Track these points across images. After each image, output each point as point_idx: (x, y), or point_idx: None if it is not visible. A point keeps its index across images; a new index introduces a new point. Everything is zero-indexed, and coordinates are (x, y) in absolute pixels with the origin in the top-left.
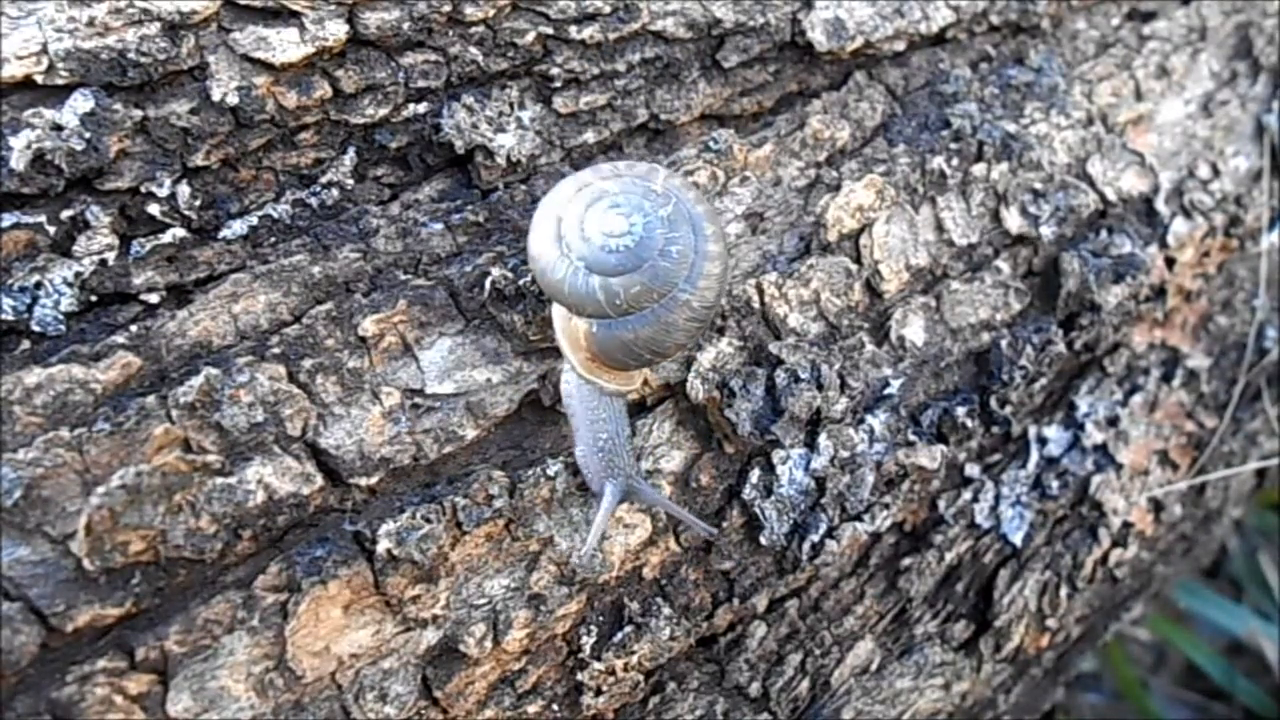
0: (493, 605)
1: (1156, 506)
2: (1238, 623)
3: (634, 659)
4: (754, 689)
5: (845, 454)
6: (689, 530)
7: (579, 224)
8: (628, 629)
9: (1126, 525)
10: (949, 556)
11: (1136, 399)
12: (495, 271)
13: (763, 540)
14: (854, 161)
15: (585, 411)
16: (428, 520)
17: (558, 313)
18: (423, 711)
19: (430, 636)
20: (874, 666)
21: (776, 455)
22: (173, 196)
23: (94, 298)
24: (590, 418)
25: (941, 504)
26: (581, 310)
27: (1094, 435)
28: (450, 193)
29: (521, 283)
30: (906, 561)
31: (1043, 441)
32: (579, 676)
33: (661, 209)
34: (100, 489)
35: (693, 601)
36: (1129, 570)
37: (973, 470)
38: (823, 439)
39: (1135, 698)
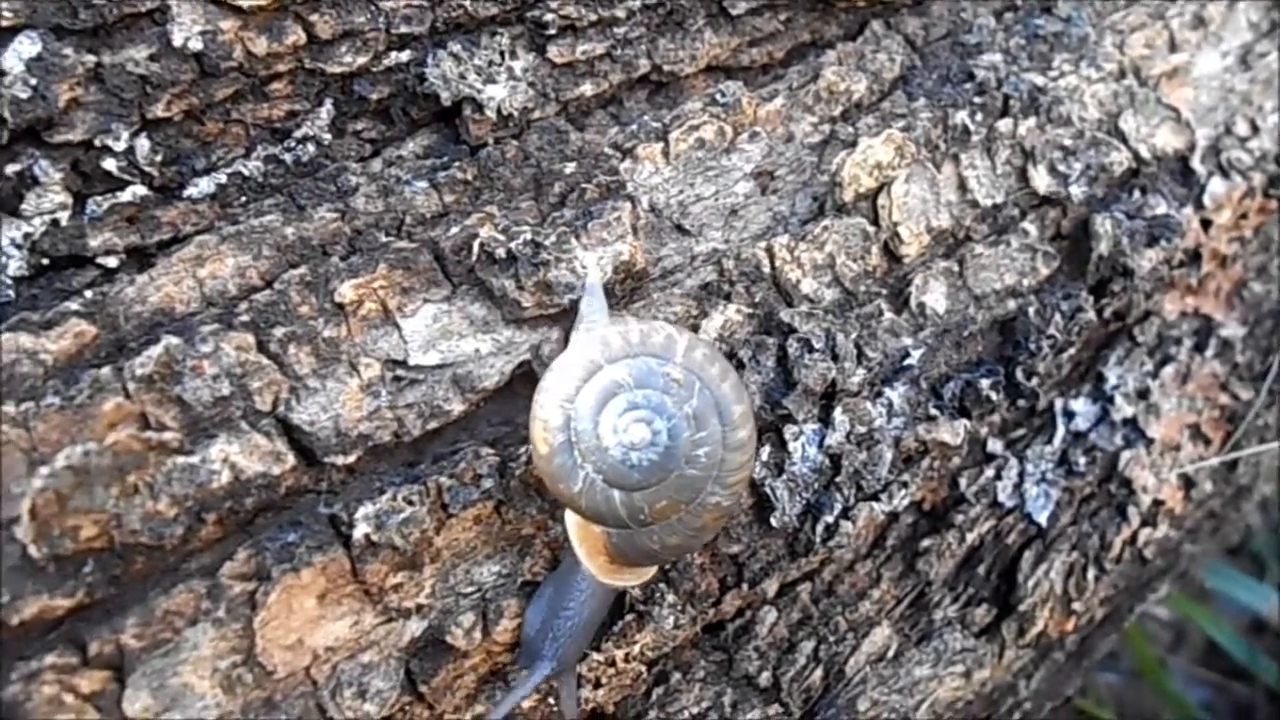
0: (482, 593)
1: (1187, 483)
2: (1260, 600)
3: (635, 649)
4: (764, 679)
5: (862, 429)
6: None
7: (593, 427)
8: (629, 617)
9: (1157, 503)
10: (970, 537)
11: (1168, 370)
12: (484, 233)
13: (773, 522)
14: (871, 116)
15: (564, 589)
16: (410, 502)
17: (570, 514)
18: (407, 708)
19: (414, 627)
20: (891, 653)
21: (788, 431)
22: (131, 151)
23: (45, 261)
24: (565, 597)
25: (963, 482)
26: (600, 522)
27: (1123, 408)
28: (436, 149)
29: (513, 245)
30: (925, 543)
31: (1070, 415)
32: (576, 668)
33: (685, 404)
34: (44, 469)
35: (699, 587)
36: (1157, 550)
37: (995, 446)
38: (838, 413)
39: (1154, 677)
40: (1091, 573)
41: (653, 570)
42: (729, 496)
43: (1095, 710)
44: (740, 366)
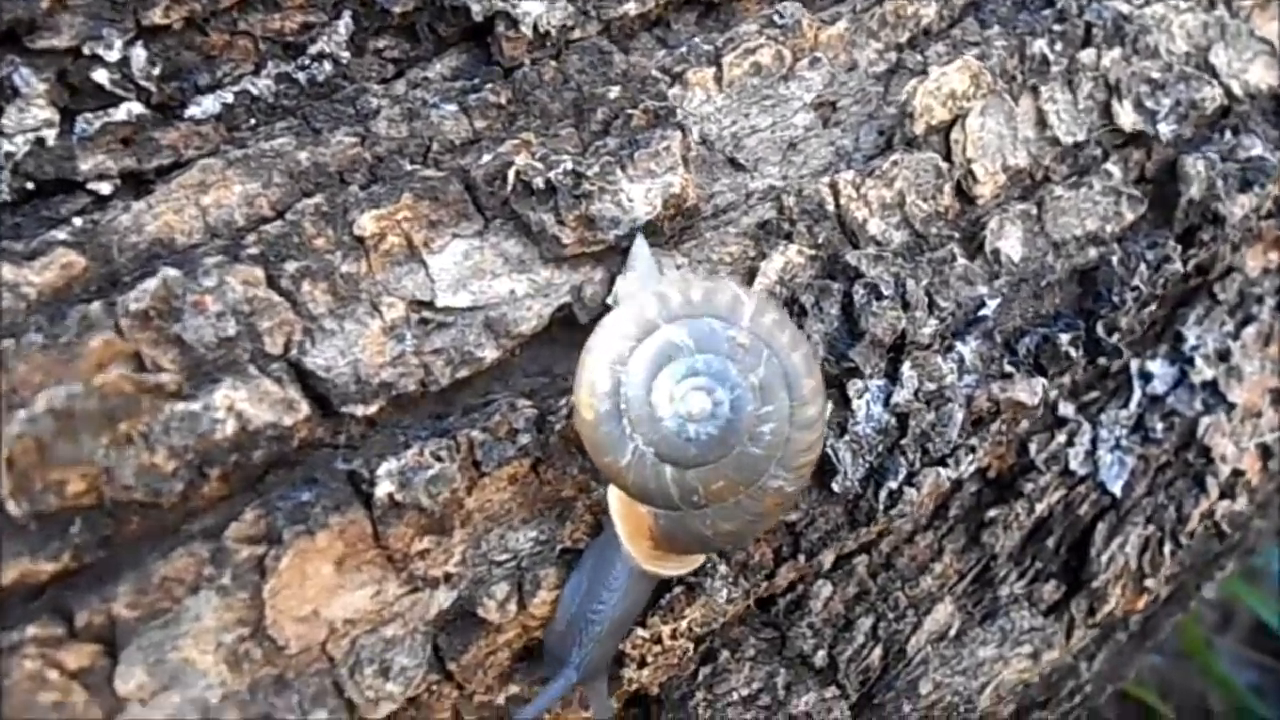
0: (518, 561)
1: (1264, 453)
2: None
3: (683, 624)
4: (819, 658)
5: (931, 386)
6: None
7: (645, 394)
8: (677, 590)
9: (1236, 474)
10: (1039, 508)
11: (1249, 330)
12: (520, 161)
13: (835, 486)
14: (940, 44)
15: (598, 580)
16: (438, 458)
17: (613, 490)
18: (434, 687)
19: (442, 598)
20: (953, 632)
21: (852, 387)
22: (125, 62)
23: (30, 185)
24: (597, 596)
25: (1032, 448)
26: (647, 501)
27: (1204, 371)
28: (466, 69)
29: (552, 175)
30: (991, 513)
31: (1146, 377)
32: (620, 645)
33: (751, 374)
34: (22, 413)
35: (752, 558)
36: (1230, 524)
37: (1067, 409)
38: (906, 368)
39: (1201, 658)
40: (1168, 547)
41: (700, 559)
42: (793, 481)
43: (1138, 692)
44: (802, 313)
